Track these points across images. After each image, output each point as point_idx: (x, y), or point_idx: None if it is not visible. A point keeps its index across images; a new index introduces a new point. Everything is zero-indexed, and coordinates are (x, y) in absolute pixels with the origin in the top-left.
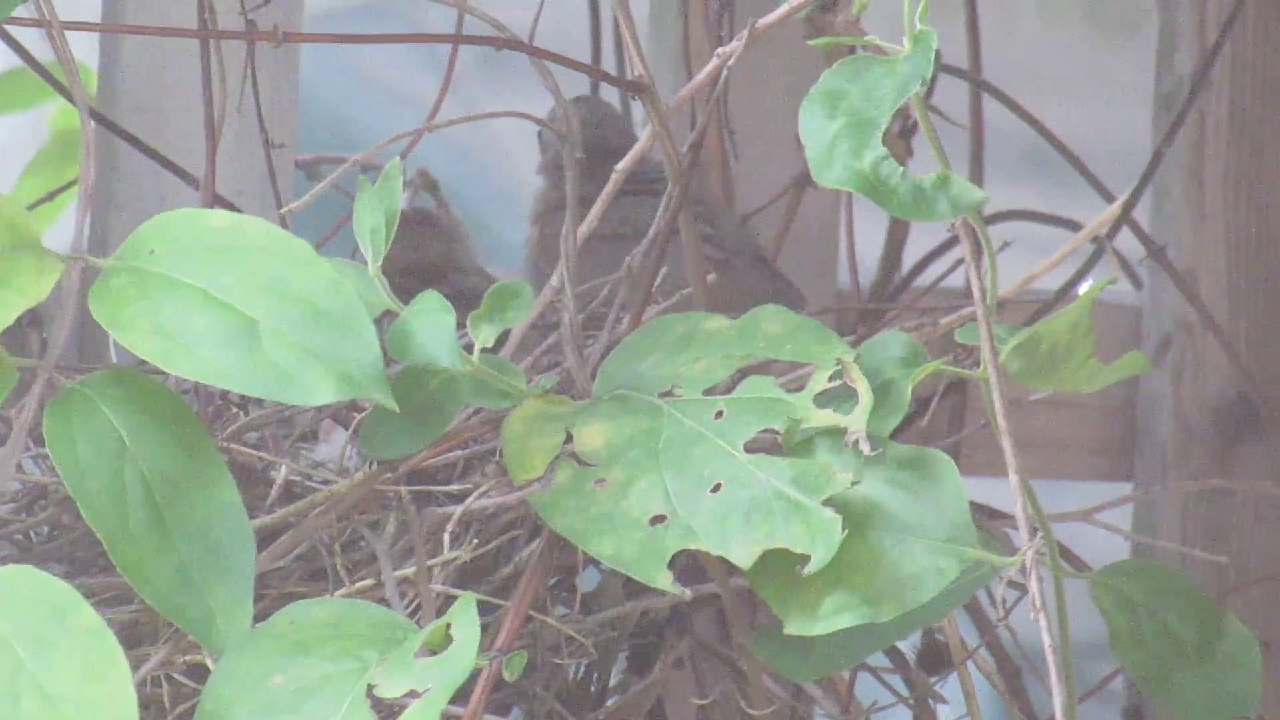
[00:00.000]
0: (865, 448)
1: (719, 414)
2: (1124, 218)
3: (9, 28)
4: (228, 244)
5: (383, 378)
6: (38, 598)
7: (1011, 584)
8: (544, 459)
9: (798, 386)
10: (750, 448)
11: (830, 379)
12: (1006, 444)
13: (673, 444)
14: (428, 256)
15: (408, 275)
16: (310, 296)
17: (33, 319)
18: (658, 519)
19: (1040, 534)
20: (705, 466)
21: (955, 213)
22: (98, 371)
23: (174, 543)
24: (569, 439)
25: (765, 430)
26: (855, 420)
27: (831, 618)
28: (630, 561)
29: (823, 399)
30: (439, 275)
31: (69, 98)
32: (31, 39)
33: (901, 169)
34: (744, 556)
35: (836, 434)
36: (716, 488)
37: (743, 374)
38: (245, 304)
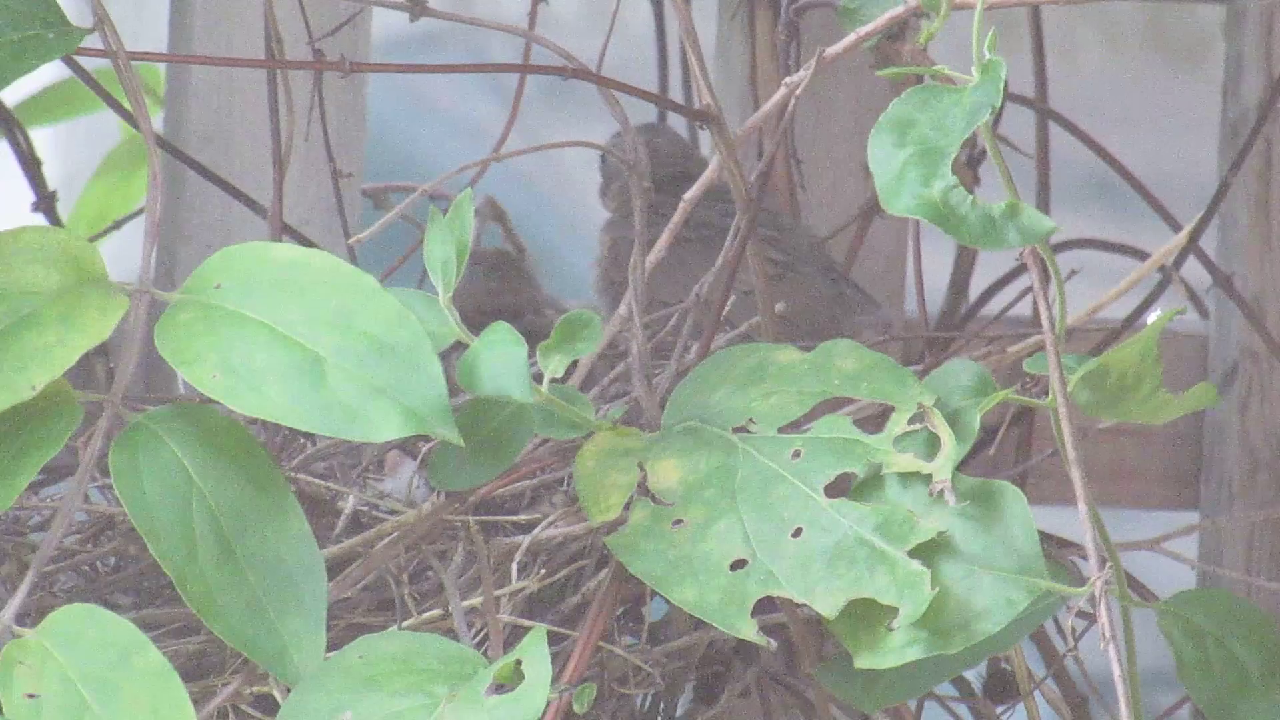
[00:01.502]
0: (951, 500)
1: (796, 454)
2: (1190, 246)
3: (76, 56)
4: (293, 278)
5: (449, 413)
6: (104, 638)
7: (1079, 614)
8: (619, 497)
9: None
10: (828, 489)
11: (910, 421)
12: (1076, 475)
13: (749, 483)
14: (507, 300)
15: (484, 315)
16: (375, 331)
17: (99, 349)
18: (738, 564)
19: (1109, 564)
20: (784, 509)
21: (1025, 242)
22: (163, 406)
23: (245, 576)
24: (642, 474)
25: (844, 473)
26: (941, 470)
27: (901, 650)
28: (713, 610)
29: (901, 441)
30: (516, 317)
31: (135, 126)
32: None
33: (971, 197)
34: (829, 606)
35: (909, 474)
36: (797, 532)
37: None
38: (310, 339)
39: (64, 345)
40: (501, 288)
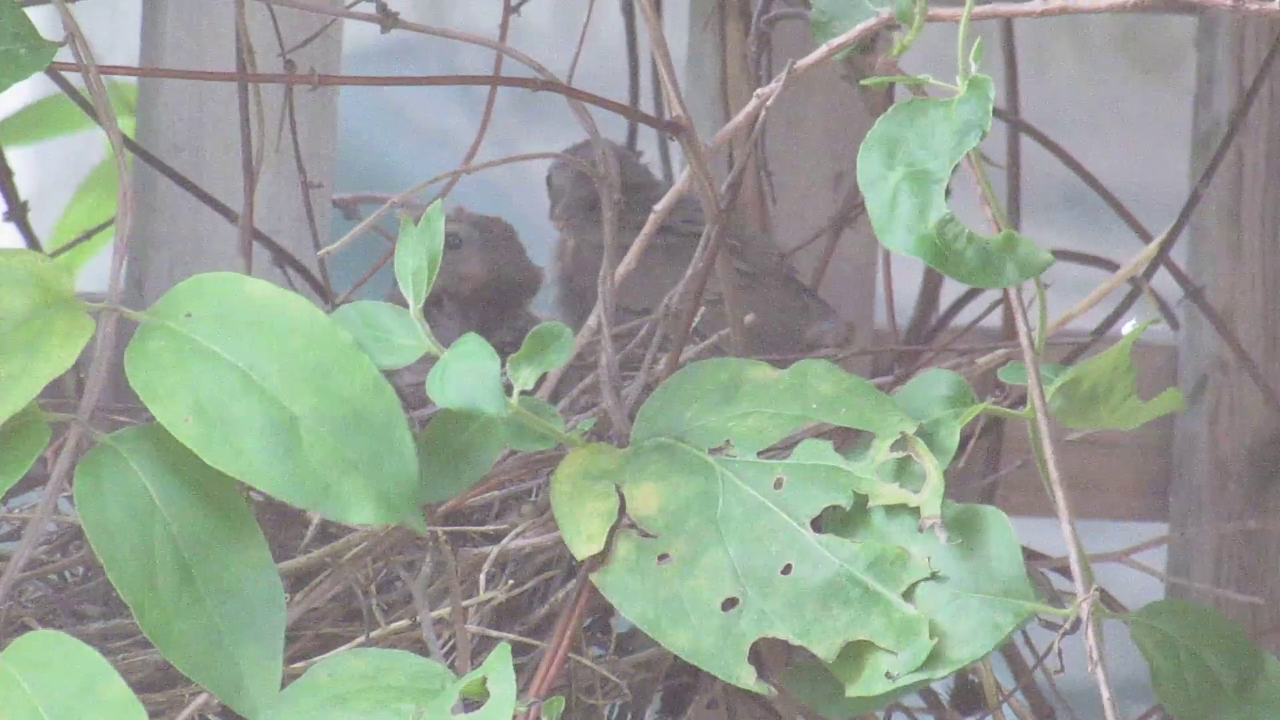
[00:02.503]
0: (941, 537)
1: (779, 482)
2: (1161, 258)
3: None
4: (269, 322)
5: (416, 498)
6: (68, 666)
7: (1047, 625)
8: (600, 527)
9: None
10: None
11: (892, 448)
12: (1059, 493)
13: (732, 513)
14: (509, 274)
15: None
16: (352, 396)
17: None
18: (729, 602)
19: (1094, 586)
20: (772, 542)
21: (1024, 276)
22: (130, 429)
23: (204, 603)
24: (620, 500)
25: (830, 505)
26: (929, 504)
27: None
28: (709, 657)
29: (884, 469)
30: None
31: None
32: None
33: (967, 231)
34: (826, 649)
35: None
36: (787, 568)
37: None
38: (287, 396)
39: (28, 375)
40: (501, 260)
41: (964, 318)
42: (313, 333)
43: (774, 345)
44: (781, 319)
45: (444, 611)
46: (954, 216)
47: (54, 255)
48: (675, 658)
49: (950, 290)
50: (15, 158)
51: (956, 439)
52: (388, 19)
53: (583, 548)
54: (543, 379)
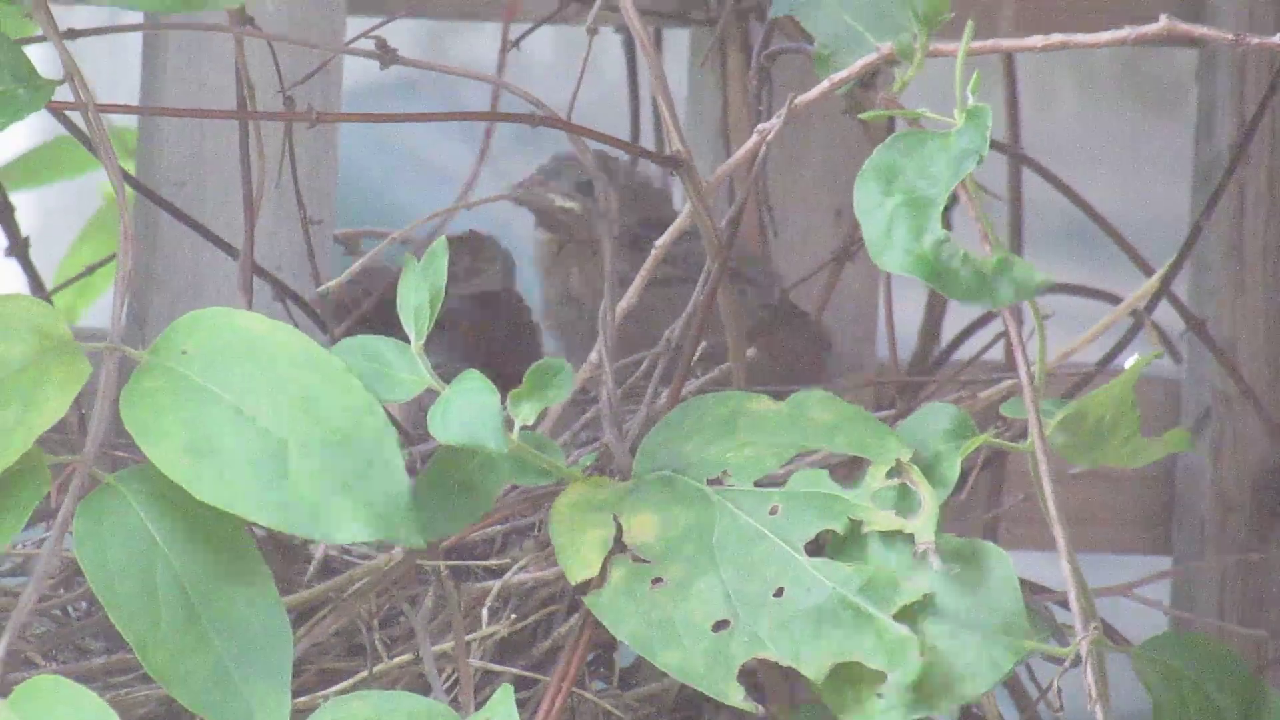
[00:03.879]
0: (935, 563)
1: (774, 510)
2: (1163, 291)
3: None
4: (260, 352)
5: (412, 512)
6: (73, 713)
7: (1049, 659)
8: (597, 554)
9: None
10: (808, 546)
11: (888, 475)
12: (1058, 528)
13: (728, 540)
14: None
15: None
16: (341, 421)
17: None
18: (721, 624)
19: (1095, 623)
20: (766, 568)
21: (1019, 297)
22: (132, 468)
23: (210, 641)
24: (618, 529)
25: (825, 531)
26: (923, 530)
27: (886, 713)
28: (699, 675)
29: (880, 496)
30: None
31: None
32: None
33: (963, 253)
34: (815, 670)
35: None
36: (779, 592)
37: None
38: (276, 424)
39: (23, 426)
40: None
41: (966, 351)
42: (301, 359)
43: (779, 378)
44: (771, 347)
45: (447, 646)
46: (950, 238)
47: (55, 292)
48: (679, 692)
49: (952, 324)
50: (18, 195)
51: (957, 471)
52: (387, 55)
53: (578, 573)
54: (543, 414)
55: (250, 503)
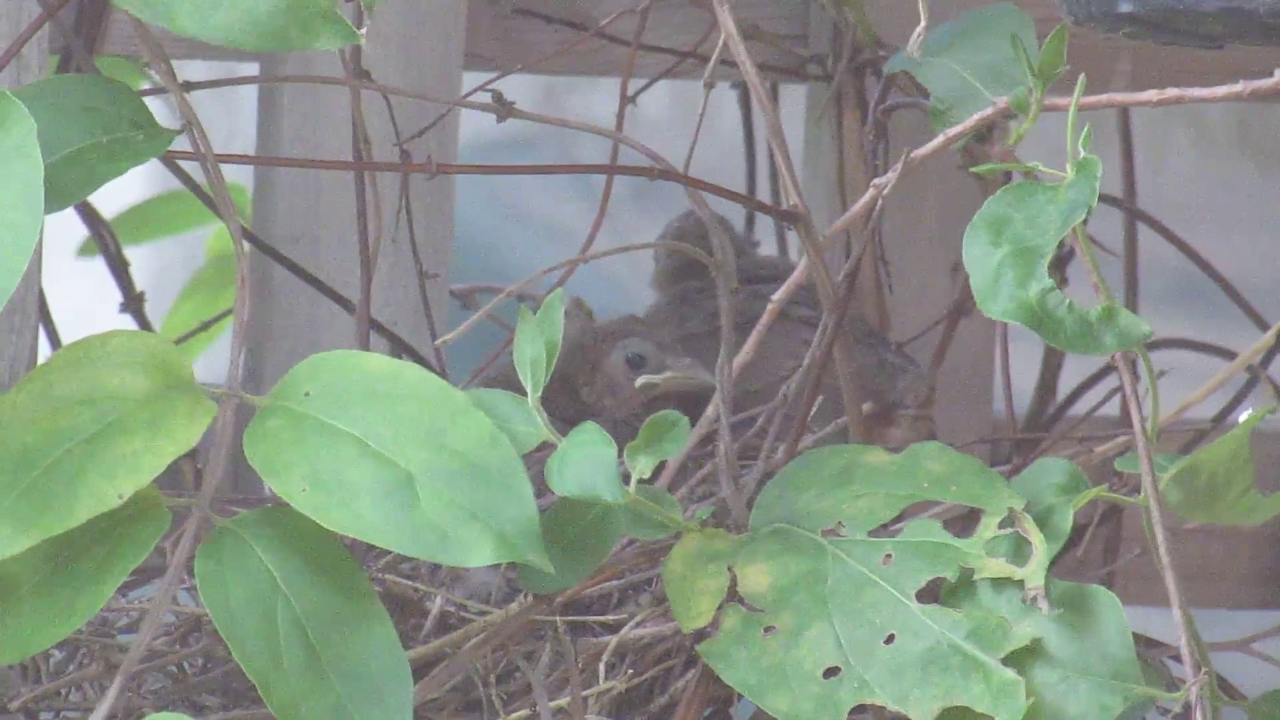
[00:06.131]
0: (1044, 607)
1: (887, 558)
2: (1278, 346)
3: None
4: (384, 390)
5: (539, 538)
6: None
7: (1163, 712)
8: (710, 604)
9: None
10: (919, 595)
11: (1000, 525)
12: (1169, 577)
13: (840, 588)
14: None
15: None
16: (467, 450)
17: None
18: (831, 671)
19: (1204, 670)
20: (876, 614)
21: (1121, 346)
22: (250, 511)
23: (330, 682)
24: (732, 579)
25: (935, 578)
26: (1034, 576)
27: None
28: (806, 719)
29: (991, 545)
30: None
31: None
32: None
33: (1068, 301)
34: (922, 714)
35: (1001, 579)
36: (890, 639)
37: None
38: (402, 456)
39: (151, 452)
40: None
41: (1081, 407)
42: (426, 395)
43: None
44: (863, 378)
45: (564, 701)
46: (1056, 287)
47: None
48: None
49: (1068, 379)
50: (132, 251)
51: (1070, 523)
52: (504, 109)
53: (691, 622)
54: (660, 467)
55: (379, 530)
